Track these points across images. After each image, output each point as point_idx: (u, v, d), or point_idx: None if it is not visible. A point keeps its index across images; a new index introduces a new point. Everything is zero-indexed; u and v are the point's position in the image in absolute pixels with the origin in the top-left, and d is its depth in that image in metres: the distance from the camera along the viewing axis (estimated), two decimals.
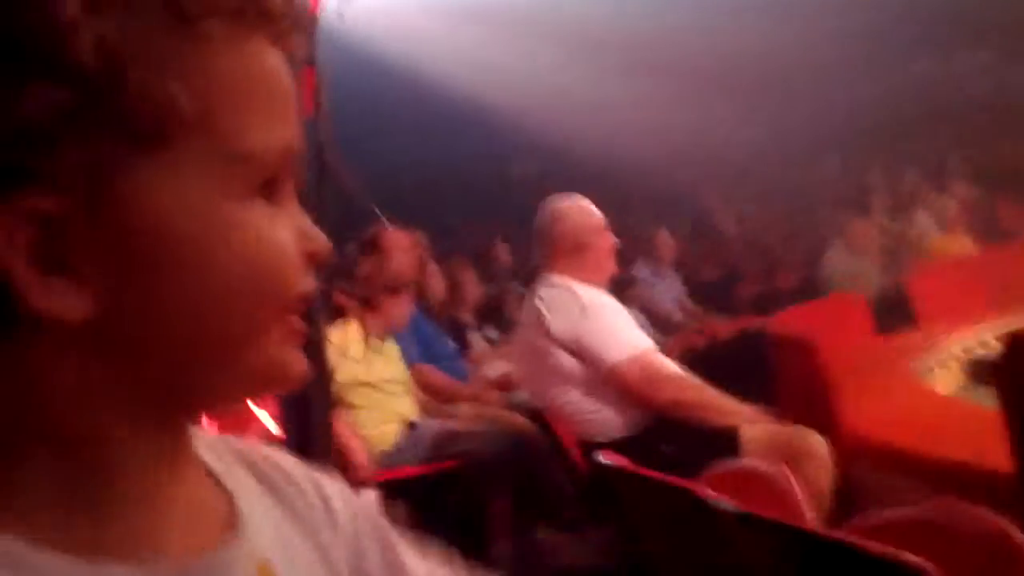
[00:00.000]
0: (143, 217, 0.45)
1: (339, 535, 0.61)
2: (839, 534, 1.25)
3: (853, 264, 6.79)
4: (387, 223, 3.90)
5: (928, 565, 1.08)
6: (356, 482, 3.02)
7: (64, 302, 0.44)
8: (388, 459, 3.43)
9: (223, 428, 0.63)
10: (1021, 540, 1.19)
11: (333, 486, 0.63)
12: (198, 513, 0.53)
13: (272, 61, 0.49)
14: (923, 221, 7.99)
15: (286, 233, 0.49)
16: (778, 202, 10.32)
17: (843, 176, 10.19)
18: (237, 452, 0.59)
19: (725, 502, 1.44)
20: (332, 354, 2.93)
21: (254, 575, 0.52)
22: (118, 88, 0.44)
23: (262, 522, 0.55)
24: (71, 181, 0.44)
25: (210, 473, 0.56)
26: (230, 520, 0.54)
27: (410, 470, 3.41)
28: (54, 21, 0.43)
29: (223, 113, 0.47)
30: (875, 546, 1.10)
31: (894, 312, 5.71)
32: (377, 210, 3.01)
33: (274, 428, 2.67)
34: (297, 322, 0.51)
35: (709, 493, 1.51)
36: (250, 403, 2.76)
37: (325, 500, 0.61)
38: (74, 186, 0.44)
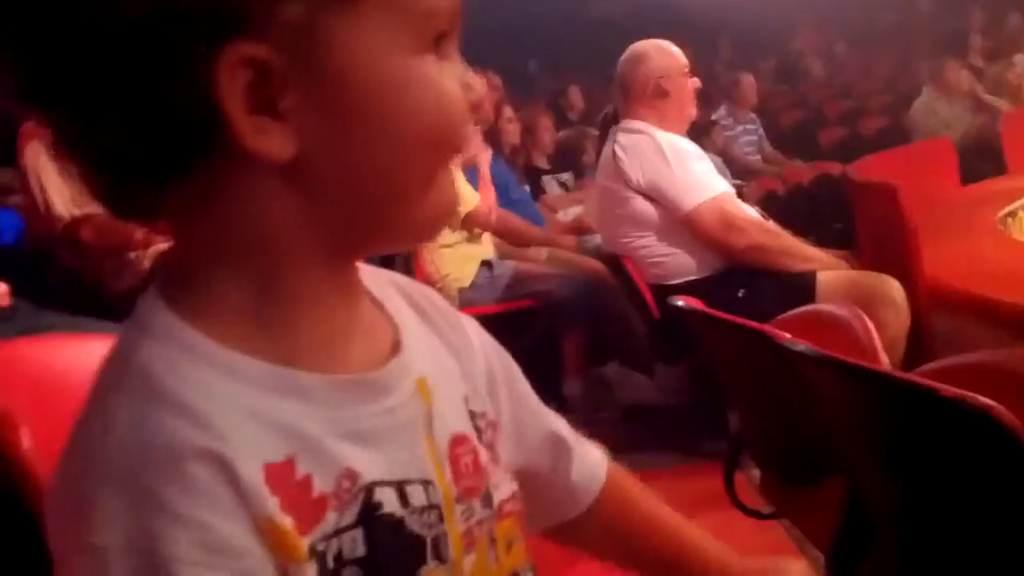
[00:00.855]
0: (342, 69, 0.49)
1: (476, 357, 0.67)
2: (911, 376, 1.27)
3: (944, 109, 6.54)
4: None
5: (996, 405, 1.10)
6: None
7: (271, 142, 0.49)
8: (466, 297, 3.53)
9: None
10: None
11: (465, 317, 0.70)
12: (369, 335, 0.58)
13: None
14: (1021, 66, 7.59)
15: (455, 84, 0.53)
16: (869, 44, 9.89)
17: (939, 17, 9.68)
18: (393, 282, 0.64)
19: (799, 344, 1.47)
20: None
21: (414, 388, 0.58)
22: None
23: (418, 344, 0.61)
24: (283, 34, 0.48)
25: (375, 301, 0.61)
26: (394, 340, 0.59)
27: (487, 308, 3.51)
28: None
29: None
30: (946, 388, 1.12)
31: (982, 160, 5.54)
32: None
33: None
34: (456, 164, 0.56)
35: (783, 336, 1.54)
36: None
37: (461, 326, 0.68)
38: (285, 38, 0.48)
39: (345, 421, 0.53)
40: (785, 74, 9.55)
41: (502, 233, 3.88)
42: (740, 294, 2.90)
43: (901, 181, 3.22)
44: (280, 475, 0.50)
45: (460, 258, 3.58)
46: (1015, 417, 1.09)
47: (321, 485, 0.51)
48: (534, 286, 3.51)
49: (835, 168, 5.51)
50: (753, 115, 6.90)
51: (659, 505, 0.78)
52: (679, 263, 3.03)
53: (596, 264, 3.55)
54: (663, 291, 2.96)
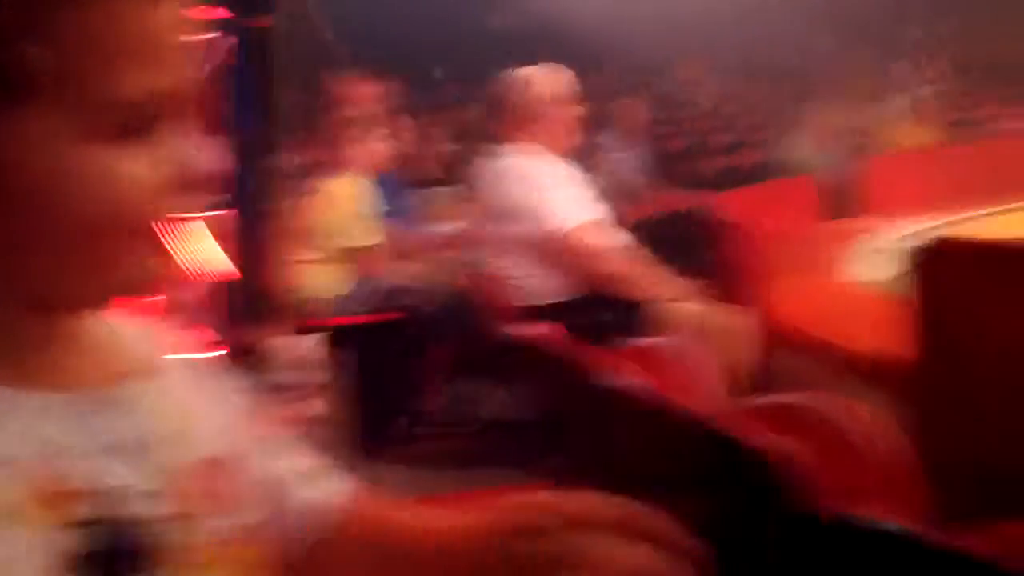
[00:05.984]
0: (7, 152, 0.54)
1: (216, 402, 0.71)
2: (716, 420, 1.38)
3: (813, 148, 6.83)
4: (357, 73, 3.90)
5: (792, 448, 1.20)
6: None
7: None
8: (339, 305, 3.56)
9: None
10: (884, 435, 1.31)
11: (213, 366, 0.74)
12: (112, 357, 0.64)
13: (146, 16, 0.56)
14: (895, 109, 7.99)
15: (138, 168, 0.57)
16: (754, 78, 10.23)
17: (824, 57, 10.08)
18: (143, 332, 0.69)
19: (623, 379, 1.57)
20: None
21: (159, 409, 0.64)
22: None
23: (169, 379, 0.67)
24: None
25: (125, 336, 0.67)
26: (133, 369, 0.65)
27: (358, 318, 3.55)
28: None
29: (86, 70, 0.54)
30: (749, 431, 1.23)
31: (843, 199, 5.83)
32: (348, 60, 3.01)
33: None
34: (150, 239, 0.59)
35: (610, 367, 1.63)
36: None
37: (200, 373, 0.72)
38: None
39: (93, 434, 0.59)
40: (671, 101, 9.81)
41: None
42: (600, 319, 3.00)
43: (761, 217, 3.41)
44: (37, 472, 0.56)
45: (333, 269, 3.62)
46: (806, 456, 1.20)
47: (71, 483, 0.57)
48: (405, 299, 3.57)
49: (706, 199, 5.70)
50: (636, 140, 7.08)
51: (417, 516, 0.77)
52: (544, 285, 3.12)
53: (468, 280, 3.62)
54: (528, 311, 3.05)
